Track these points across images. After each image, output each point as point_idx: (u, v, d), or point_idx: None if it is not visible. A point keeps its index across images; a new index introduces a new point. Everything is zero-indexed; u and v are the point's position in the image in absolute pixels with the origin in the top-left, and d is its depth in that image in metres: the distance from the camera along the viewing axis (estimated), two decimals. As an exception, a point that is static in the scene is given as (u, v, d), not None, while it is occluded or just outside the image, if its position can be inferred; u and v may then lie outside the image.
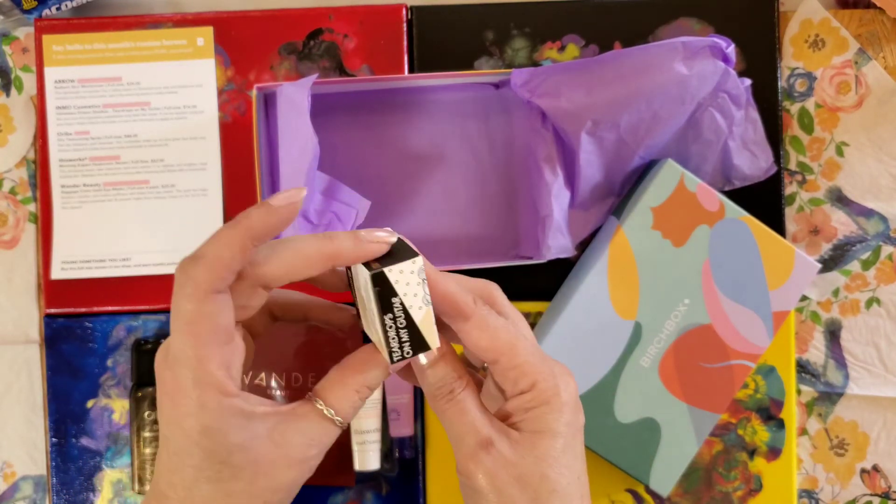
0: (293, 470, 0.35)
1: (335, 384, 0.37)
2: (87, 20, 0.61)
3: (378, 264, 0.35)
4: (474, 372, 0.42)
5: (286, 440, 0.35)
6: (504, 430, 0.37)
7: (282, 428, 0.35)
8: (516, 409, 0.37)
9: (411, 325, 0.35)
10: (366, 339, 0.40)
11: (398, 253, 0.35)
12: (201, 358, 0.33)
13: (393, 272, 0.34)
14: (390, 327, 0.35)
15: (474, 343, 0.37)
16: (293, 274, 0.35)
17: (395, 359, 0.36)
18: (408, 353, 0.36)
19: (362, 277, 0.35)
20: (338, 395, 0.37)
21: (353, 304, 0.40)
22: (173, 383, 0.34)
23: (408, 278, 0.35)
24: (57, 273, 0.61)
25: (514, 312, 0.39)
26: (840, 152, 0.62)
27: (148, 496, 0.36)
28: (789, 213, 0.63)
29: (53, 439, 0.61)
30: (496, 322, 0.37)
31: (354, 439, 0.59)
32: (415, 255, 0.35)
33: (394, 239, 0.36)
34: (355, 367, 0.37)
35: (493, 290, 0.39)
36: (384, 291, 0.34)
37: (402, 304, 0.35)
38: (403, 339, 0.36)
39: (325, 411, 0.36)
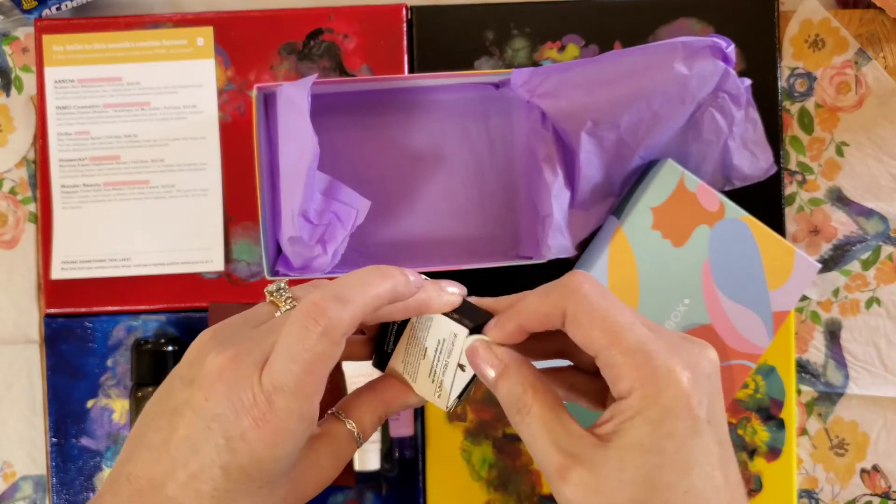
0: (319, 487, 0.37)
1: (367, 409, 0.38)
2: (87, 20, 0.61)
3: (459, 315, 0.37)
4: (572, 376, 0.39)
5: (319, 461, 0.36)
6: (587, 450, 0.33)
7: (320, 449, 0.36)
8: (613, 417, 0.33)
9: (470, 378, 0.38)
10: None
11: (466, 307, 0.38)
12: (312, 394, 0.34)
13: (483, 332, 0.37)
14: (457, 377, 0.37)
15: (575, 341, 0.35)
16: (387, 317, 0.37)
17: (450, 405, 0.38)
18: (458, 399, 0.38)
19: (446, 331, 0.37)
20: (367, 421, 0.38)
21: (383, 348, 0.40)
22: (268, 410, 0.33)
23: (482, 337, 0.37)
24: (57, 273, 0.61)
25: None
26: (840, 152, 0.62)
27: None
28: (789, 213, 0.63)
29: (53, 439, 0.61)
30: (593, 311, 0.34)
31: (354, 439, 0.59)
32: (489, 316, 0.37)
33: (465, 291, 0.38)
34: (387, 399, 0.39)
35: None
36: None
37: None
38: (461, 388, 0.38)
39: (355, 432, 0.38)
